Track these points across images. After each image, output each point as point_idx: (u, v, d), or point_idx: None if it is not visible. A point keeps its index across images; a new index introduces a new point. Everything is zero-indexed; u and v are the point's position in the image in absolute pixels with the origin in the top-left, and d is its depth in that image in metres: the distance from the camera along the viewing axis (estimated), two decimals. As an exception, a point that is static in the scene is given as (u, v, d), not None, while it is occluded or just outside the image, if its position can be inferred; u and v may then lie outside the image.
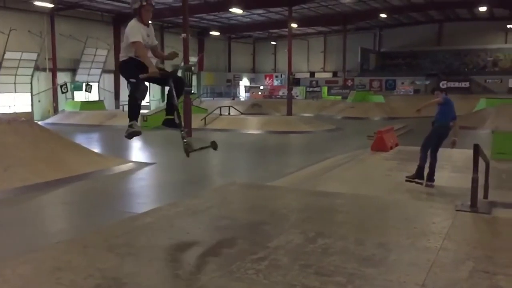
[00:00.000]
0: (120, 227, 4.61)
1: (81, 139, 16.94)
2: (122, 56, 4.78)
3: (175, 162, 13.36)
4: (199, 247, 3.99)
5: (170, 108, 5.08)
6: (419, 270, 3.43)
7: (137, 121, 4.86)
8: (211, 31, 41.29)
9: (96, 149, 14.61)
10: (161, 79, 4.82)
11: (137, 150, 16.23)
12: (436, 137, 7.72)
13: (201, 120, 21.33)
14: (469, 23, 40.26)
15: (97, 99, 31.62)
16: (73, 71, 30.56)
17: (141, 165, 12.02)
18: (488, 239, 4.37)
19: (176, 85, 4.88)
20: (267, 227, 4.50)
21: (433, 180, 7.60)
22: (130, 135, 4.81)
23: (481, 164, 6.05)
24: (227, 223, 4.69)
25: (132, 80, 4.67)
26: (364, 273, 3.40)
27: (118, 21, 33.23)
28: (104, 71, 32.56)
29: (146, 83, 4.75)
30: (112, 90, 33.64)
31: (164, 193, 9.22)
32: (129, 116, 4.90)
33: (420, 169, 7.60)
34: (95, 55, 31.01)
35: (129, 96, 4.84)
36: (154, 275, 3.34)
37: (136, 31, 4.55)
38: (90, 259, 3.69)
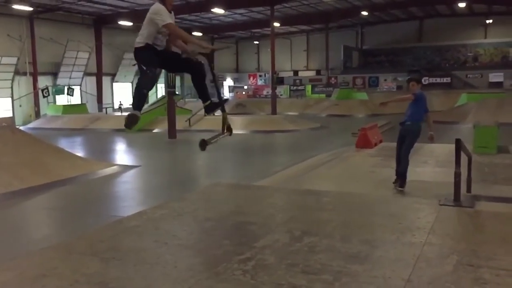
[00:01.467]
0: (104, 232, 4.56)
1: (64, 143, 16.75)
2: (139, 42, 4.58)
3: (160, 164, 13.29)
4: (185, 249, 3.97)
5: (203, 94, 4.85)
6: (405, 265, 3.46)
7: (140, 110, 4.69)
8: (193, 31, 41.05)
9: (80, 153, 14.45)
10: (180, 64, 4.70)
11: (122, 153, 16.11)
12: (415, 140, 7.39)
13: (186, 121, 21.26)
14: (449, 19, 40.78)
15: (79, 102, 31.30)
16: (54, 74, 30.20)
17: (125, 168, 11.93)
18: (471, 232, 4.43)
19: (198, 66, 4.72)
20: (253, 227, 4.50)
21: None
22: (129, 120, 4.62)
23: (464, 158, 6.14)
24: (213, 224, 4.67)
25: (144, 67, 4.54)
26: (350, 270, 3.42)
27: (99, 23, 32.95)
28: (86, 74, 32.24)
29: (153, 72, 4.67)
30: (95, 93, 33.32)
31: (149, 195, 9.16)
32: (132, 105, 4.77)
33: (405, 175, 7.24)
34: (76, 58, 30.68)
35: (137, 83, 4.73)
36: (140, 279, 3.31)
37: (165, 13, 4.38)
38: (75, 265, 3.65)
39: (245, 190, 6.57)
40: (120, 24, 32.17)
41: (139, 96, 4.70)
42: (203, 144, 4.75)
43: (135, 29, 36.56)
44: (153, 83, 4.75)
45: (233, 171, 12.14)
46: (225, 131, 4.91)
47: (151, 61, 4.52)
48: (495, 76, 37.53)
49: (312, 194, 6.15)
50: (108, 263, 3.62)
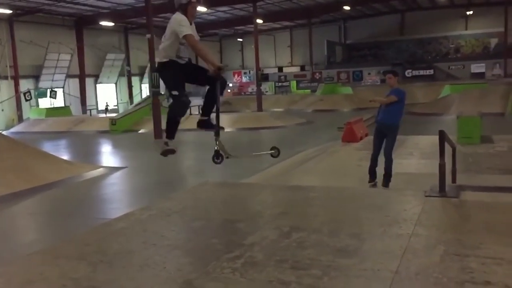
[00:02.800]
0: (92, 235, 4.52)
1: (48, 147, 16.57)
2: (162, 57, 4.44)
3: (147, 165, 13.22)
4: (174, 250, 3.95)
5: (208, 108, 4.77)
6: (392, 257, 3.48)
7: (173, 139, 4.59)
8: (176, 30, 40.93)
9: (65, 156, 14.31)
10: (203, 79, 4.60)
11: (108, 155, 16.00)
12: (396, 138, 7.32)
13: (171, 120, 21.13)
14: (430, 12, 41.16)
15: (62, 105, 30.98)
16: (36, 77, 29.85)
17: (112, 169, 11.84)
18: (457, 222, 4.48)
19: (221, 85, 4.65)
20: (242, 225, 4.50)
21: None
22: (165, 153, 4.55)
23: (448, 149, 6.21)
24: (201, 223, 4.66)
25: (175, 92, 4.38)
26: (339, 264, 3.43)
27: (80, 24, 32.61)
28: (69, 76, 31.92)
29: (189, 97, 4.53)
30: (78, 95, 33.01)
31: (137, 197, 9.11)
32: (166, 132, 4.63)
33: (391, 174, 7.13)
34: (58, 60, 30.35)
35: (169, 109, 4.56)
36: (129, 281, 3.29)
37: (186, 24, 4.25)
38: (62, 269, 3.61)
39: (233, 188, 6.57)
40: (101, 25, 31.88)
41: (173, 125, 4.56)
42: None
43: (117, 29, 36.37)
44: (187, 107, 4.54)
45: (220, 169, 12.04)
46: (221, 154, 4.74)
47: (179, 81, 4.38)
48: (477, 67, 38.01)
49: (300, 189, 6.17)
50: (96, 266, 3.59)
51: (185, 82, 4.62)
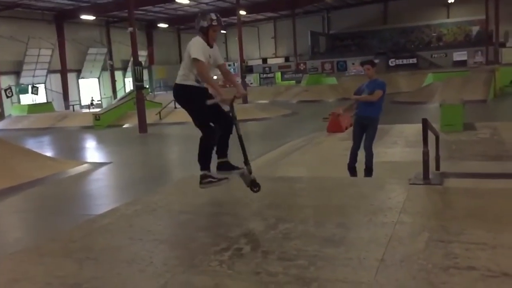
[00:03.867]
0: (77, 232, 4.48)
1: (31, 144, 16.34)
2: (181, 79, 4.35)
3: (132, 159, 13.12)
4: (160, 244, 3.93)
5: (222, 149, 4.53)
6: (378, 245, 3.51)
7: (210, 169, 4.44)
8: (159, 23, 40.59)
9: (48, 152, 14.14)
10: (216, 112, 4.45)
11: (92, 151, 15.84)
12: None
13: (156, 114, 21.04)
14: (412, 1, 41.36)
15: (45, 101, 30.56)
16: (17, 73, 29.39)
17: (97, 165, 11.73)
18: (441, 209, 4.54)
19: (228, 122, 4.47)
20: (228, 217, 4.50)
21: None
22: (206, 183, 4.45)
23: (432, 137, 6.27)
24: (188, 217, 4.65)
25: (204, 127, 4.30)
26: (325, 254, 3.45)
27: (60, 18, 32.14)
28: (50, 71, 31.49)
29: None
30: (60, 90, 32.61)
31: (122, 192, 9.05)
32: (200, 163, 4.47)
33: (372, 169, 6.87)
34: (39, 56, 29.91)
35: (202, 141, 4.41)
36: (115, 277, 3.27)
37: (199, 48, 4.20)
38: (47, 267, 3.57)
39: (219, 180, 6.53)
40: (82, 19, 31.45)
41: (207, 155, 4.42)
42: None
43: (98, 23, 35.89)
44: (217, 134, 4.38)
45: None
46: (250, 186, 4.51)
47: (204, 109, 4.32)
48: (459, 55, 38.39)
49: (286, 180, 6.18)
50: (81, 263, 3.56)
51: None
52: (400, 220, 4.04)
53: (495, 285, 2.80)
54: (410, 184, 5.17)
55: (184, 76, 4.34)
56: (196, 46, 4.23)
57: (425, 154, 5.22)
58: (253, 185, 4.27)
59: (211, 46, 4.40)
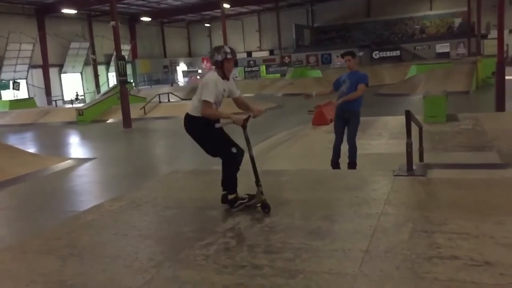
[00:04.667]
0: (61, 229, 4.44)
1: (13, 140, 16.11)
2: (192, 111, 4.34)
3: (116, 155, 13.01)
4: (146, 240, 3.92)
5: (231, 181, 4.44)
6: (363, 237, 3.55)
7: (237, 191, 4.43)
8: (141, 16, 40.17)
9: (31, 149, 13.95)
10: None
11: (76, 146, 15.67)
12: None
13: (140, 109, 20.86)
14: (395, -7, 41.60)
15: (26, 96, 30.10)
16: (-2, 69, 28.88)
17: (81, 161, 11.60)
18: (424, 200, 4.59)
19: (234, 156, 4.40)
20: (214, 212, 4.50)
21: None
22: (237, 205, 4.40)
23: (416, 128, 6.32)
24: (173, 212, 4.63)
25: (223, 154, 4.31)
26: (310, 246, 3.48)
27: (41, 12, 31.63)
28: (32, 66, 31.04)
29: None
30: (42, 85, 32.16)
31: (107, 188, 8.97)
32: (228, 188, 4.45)
33: (356, 163, 6.72)
34: (19, 50, 29.43)
35: (225, 167, 4.38)
36: (100, 273, 3.25)
37: (213, 88, 4.21)
38: (31, 265, 3.54)
39: (204, 175, 6.53)
40: (64, 13, 30.98)
41: (233, 179, 4.41)
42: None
43: (80, 17, 35.40)
44: (242, 156, 4.36)
45: (192, 157, 12.03)
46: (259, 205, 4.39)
47: (220, 137, 4.35)
48: (442, 47, 38.77)
49: (271, 174, 6.18)
50: (65, 260, 3.53)
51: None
52: (385, 212, 4.08)
53: (477, 274, 2.84)
54: (394, 175, 5.23)
55: (196, 108, 4.35)
56: (210, 86, 4.24)
57: (409, 146, 5.27)
58: (264, 207, 4.23)
59: (227, 79, 4.44)
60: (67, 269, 3.39)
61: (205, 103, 4.21)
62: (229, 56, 4.34)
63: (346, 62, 6.75)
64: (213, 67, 4.44)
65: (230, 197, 4.43)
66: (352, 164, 6.66)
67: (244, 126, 4.30)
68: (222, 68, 4.36)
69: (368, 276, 2.92)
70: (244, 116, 4.33)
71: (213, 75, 4.36)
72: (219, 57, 4.32)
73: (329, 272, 3.02)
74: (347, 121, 6.67)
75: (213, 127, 4.27)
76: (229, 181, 4.44)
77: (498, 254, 3.10)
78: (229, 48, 4.42)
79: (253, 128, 4.52)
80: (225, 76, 4.40)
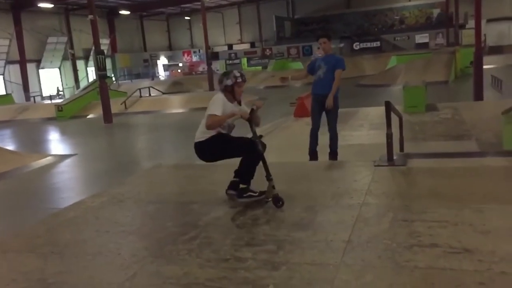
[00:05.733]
0: (41, 226, 4.38)
1: (-9, 138, 15.80)
2: (199, 137, 4.35)
3: (98, 150, 12.87)
4: (128, 236, 3.89)
5: (246, 170, 4.38)
6: (345, 227, 3.58)
7: (250, 184, 4.39)
8: (120, 10, 39.63)
9: (10, 146, 13.71)
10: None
11: (56, 143, 15.45)
12: None
13: (121, 104, 20.63)
14: (375, -16, 41.76)
15: (3, 93, 29.52)
16: (-27, 65, 28.25)
17: (61, 157, 11.44)
18: (405, 189, 4.66)
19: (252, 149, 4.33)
20: (197, 206, 4.49)
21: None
22: (247, 200, 4.34)
23: (396, 119, 6.38)
24: (156, 207, 4.61)
25: (244, 152, 4.28)
26: (293, 238, 3.50)
27: (17, 7, 30.96)
28: (8, 62, 30.43)
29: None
30: (20, 81, 31.55)
31: (89, 184, 8.87)
32: (242, 177, 4.37)
33: (337, 153, 6.57)
34: (-5, 46, 28.80)
35: (250, 159, 4.29)
36: (82, 271, 3.23)
37: (219, 105, 4.20)
38: (11, 263, 3.49)
39: (187, 169, 6.50)
40: (40, 7, 30.38)
41: (251, 170, 4.36)
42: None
43: (57, 11, 34.76)
44: (261, 149, 4.29)
45: (174, 151, 11.97)
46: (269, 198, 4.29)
47: (234, 139, 4.37)
48: (421, 37, 39.11)
49: (254, 167, 6.18)
50: (46, 258, 3.49)
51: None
52: (366, 202, 4.13)
53: (456, 261, 2.89)
54: (375, 166, 5.28)
55: (201, 133, 4.36)
56: (216, 103, 4.26)
57: (389, 136, 5.33)
58: (276, 200, 4.17)
59: (239, 103, 4.44)
60: (48, 267, 3.35)
61: (210, 116, 4.20)
62: (239, 80, 4.34)
63: (321, 45, 6.44)
64: (220, 91, 4.42)
65: (242, 186, 4.37)
66: (333, 154, 6.56)
67: (250, 120, 4.27)
68: (233, 93, 4.36)
69: (350, 266, 2.95)
70: (249, 111, 4.33)
71: (220, 95, 4.36)
72: (228, 82, 4.33)
73: (312, 263, 3.05)
74: (323, 105, 6.35)
75: (220, 139, 4.29)
76: (246, 171, 4.37)
77: (477, 241, 3.16)
78: (239, 72, 4.43)
79: (236, 121, 4.49)
80: (234, 99, 4.39)
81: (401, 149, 6.53)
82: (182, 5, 43.25)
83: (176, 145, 12.97)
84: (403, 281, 2.74)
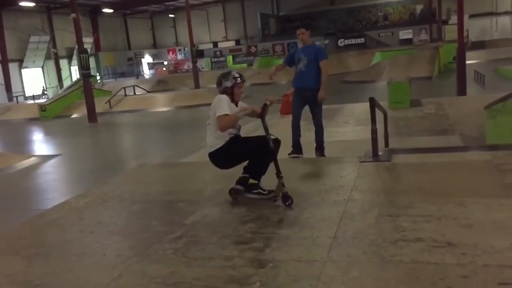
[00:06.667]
0: (25, 228, 4.33)
1: (-27, 139, 15.56)
2: (211, 146, 4.23)
3: (82, 150, 12.77)
4: (113, 236, 3.86)
5: (258, 167, 4.27)
6: (331, 223, 3.60)
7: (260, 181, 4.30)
8: (103, 8, 39.23)
9: (-8, 147, 13.52)
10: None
11: (40, 143, 15.28)
12: None
13: (106, 103, 20.48)
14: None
15: (-14, 93, 29.09)
16: (-47, 65, 27.75)
17: (45, 158, 11.32)
18: (390, 185, 4.69)
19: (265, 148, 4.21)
20: (182, 204, 4.47)
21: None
22: (254, 196, 4.26)
23: (380, 115, 6.43)
24: (141, 206, 4.58)
25: (260, 152, 4.17)
26: (280, 235, 3.51)
27: (-2, 6, 30.45)
28: (-10, 62, 29.90)
29: None
30: (2, 81, 31.08)
31: (73, 184, 8.79)
32: (253, 173, 4.27)
33: (323, 147, 6.56)
34: (-24, 46, 28.31)
35: (265, 157, 4.19)
36: (67, 272, 3.19)
37: (226, 104, 4.09)
38: (-6, 267, 3.44)
39: (172, 168, 6.47)
40: (22, 6, 29.94)
41: (263, 168, 4.27)
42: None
43: (39, 10, 34.28)
44: (275, 147, 4.21)
45: (159, 150, 11.92)
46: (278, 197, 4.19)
47: (248, 139, 4.35)
48: (405, 33, 39.44)
49: (241, 164, 6.17)
50: (31, 260, 3.45)
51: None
52: (352, 198, 4.15)
53: (440, 254, 2.93)
54: (361, 162, 5.31)
55: (213, 141, 4.25)
56: (222, 103, 4.13)
57: (374, 132, 5.36)
58: (285, 199, 4.09)
59: (236, 104, 4.34)
60: (33, 269, 3.31)
61: (221, 117, 4.08)
62: (238, 81, 4.24)
63: (300, 36, 6.24)
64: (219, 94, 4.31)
65: (252, 181, 4.29)
66: (320, 148, 6.53)
67: (262, 115, 4.18)
68: (232, 94, 4.26)
69: (336, 262, 2.97)
70: (261, 106, 4.21)
71: (222, 95, 4.24)
72: (228, 83, 4.23)
73: (298, 259, 3.05)
74: (307, 100, 6.32)
75: (236, 143, 4.22)
76: (258, 168, 4.29)
77: (460, 234, 3.20)
78: (237, 73, 4.32)
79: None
80: (233, 101, 4.30)
81: (386, 144, 6.58)
82: (166, 3, 42.97)
83: (161, 144, 12.91)
84: (388, 275, 2.76)
